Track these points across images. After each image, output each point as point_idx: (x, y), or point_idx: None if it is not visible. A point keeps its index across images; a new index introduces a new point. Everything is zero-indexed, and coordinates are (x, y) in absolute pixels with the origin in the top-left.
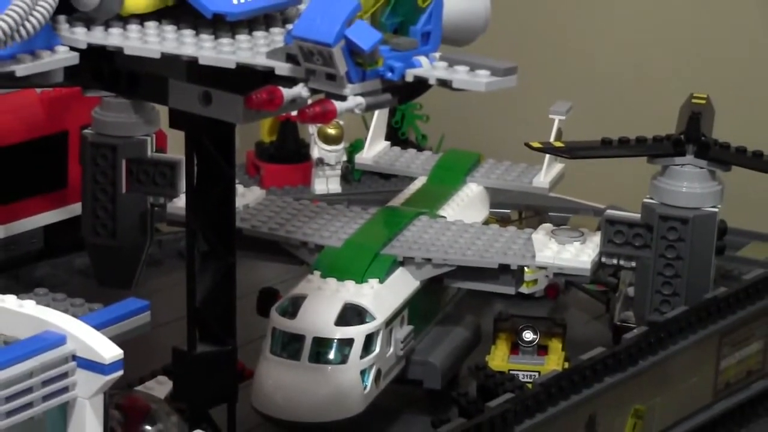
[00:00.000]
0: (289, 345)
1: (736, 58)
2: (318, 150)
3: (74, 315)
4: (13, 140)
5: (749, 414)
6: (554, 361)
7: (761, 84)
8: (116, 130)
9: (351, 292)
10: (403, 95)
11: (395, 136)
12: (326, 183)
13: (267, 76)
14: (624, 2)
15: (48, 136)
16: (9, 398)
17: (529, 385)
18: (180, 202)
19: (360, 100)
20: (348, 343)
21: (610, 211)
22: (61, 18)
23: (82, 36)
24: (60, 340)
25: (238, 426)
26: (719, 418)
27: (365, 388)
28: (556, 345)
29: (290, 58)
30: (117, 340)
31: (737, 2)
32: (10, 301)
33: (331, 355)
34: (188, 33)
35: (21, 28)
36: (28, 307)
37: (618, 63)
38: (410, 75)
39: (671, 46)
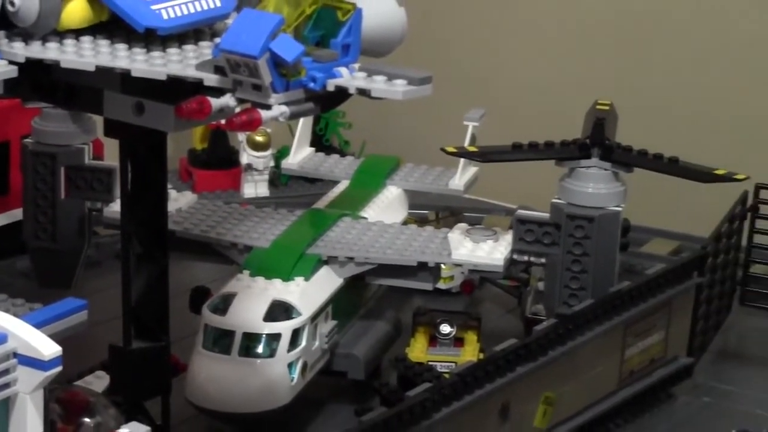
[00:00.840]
0: (221, 340)
1: (638, 66)
2: (247, 156)
3: (15, 314)
4: None
5: (652, 400)
6: (470, 353)
7: (662, 90)
8: (55, 139)
9: (278, 289)
10: (325, 104)
11: (319, 142)
12: (255, 187)
13: (196, 87)
14: (531, 17)
15: None
16: None
17: (447, 375)
18: (116, 207)
19: (284, 108)
20: (276, 337)
21: (520, 211)
22: (0, 33)
23: (20, 50)
24: (1, 338)
25: (172, 417)
26: (624, 404)
27: (292, 380)
28: (471, 337)
29: (218, 70)
30: (56, 337)
31: (638, 14)
32: None
33: (260, 349)
34: (121, 47)
35: None
36: None
37: (527, 72)
38: (331, 85)
39: (577, 55)
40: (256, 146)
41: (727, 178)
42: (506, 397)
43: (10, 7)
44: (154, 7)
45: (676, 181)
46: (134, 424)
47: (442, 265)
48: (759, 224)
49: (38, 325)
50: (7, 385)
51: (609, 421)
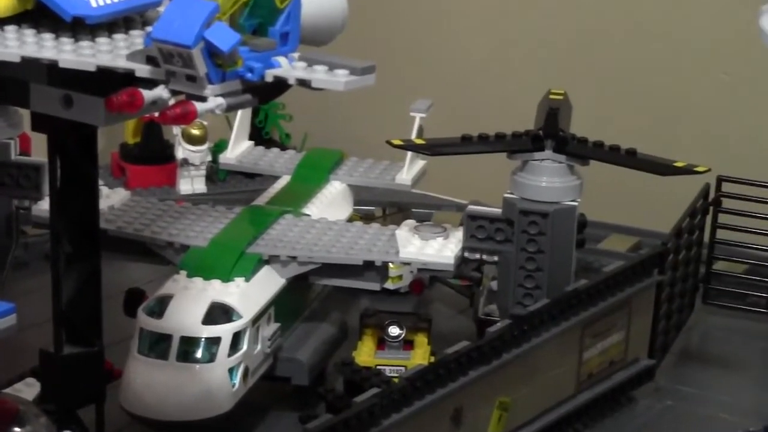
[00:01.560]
0: (157, 345)
1: (594, 52)
2: (182, 150)
3: None
4: None
5: (612, 403)
6: (420, 356)
7: (617, 79)
8: None
9: (217, 290)
10: (264, 95)
11: (259, 135)
12: (191, 183)
13: (128, 79)
14: (478, 2)
15: None
16: None
17: (396, 380)
18: (45, 205)
19: (220, 100)
20: (215, 341)
21: (471, 207)
22: None
23: None
24: None
25: (107, 426)
26: (583, 408)
27: (233, 385)
28: (421, 339)
29: (150, 60)
30: None
31: (589, 2)
32: None
33: (199, 354)
34: (48, 36)
35: None
36: None
37: (476, 60)
38: (270, 75)
39: (528, 42)
40: (192, 140)
41: (687, 171)
42: (459, 402)
43: None
44: None
45: (634, 175)
46: None
47: (390, 264)
48: (722, 219)
49: None
50: None
51: (567, 426)
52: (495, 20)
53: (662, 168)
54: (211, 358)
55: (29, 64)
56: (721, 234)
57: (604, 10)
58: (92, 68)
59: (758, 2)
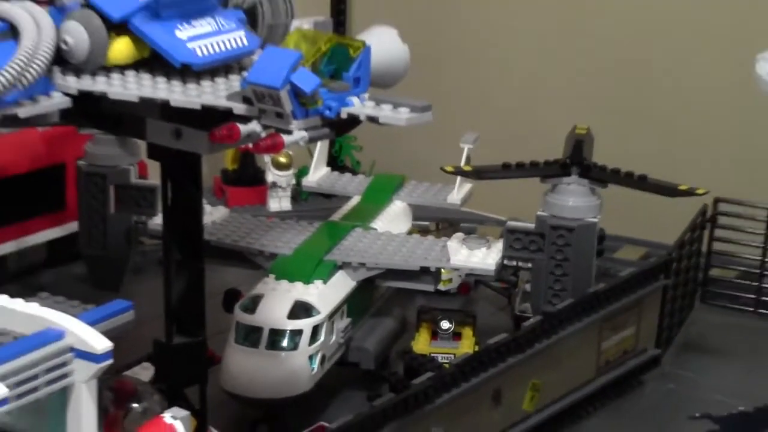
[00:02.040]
0: (250, 335)
1: (611, 95)
2: (272, 175)
3: (72, 314)
4: (19, 170)
5: (625, 386)
6: (467, 346)
7: (632, 116)
8: (105, 161)
9: (300, 291)
10: (339, 129)
11: (335, 163)
12: (279, 202)
13: (227, 115)
14: (515, 54)
15: (49, 166)
16: (18, 384)
17: (446, 366)
18: (158, 220)
19: (303, 133)
20: (298, 333)
21: (510, 222)
22: (56, 68)
23: (73, 83)
24: (59, 335)
25: (208, 403)
26: (600, 390)
27: (312, 370)
28: (468, 332)
29: (246, 100)
30: (107, 334)
31: (609, 52)
32: (18, 303)
33: (284, 343)
34: (161, 80)
35: (22, 78)
36: (33, 308)
37: (514, 100)
38: (344, 112)
39: (556, 84)
40: (280, 166)
41: (689, 193)
42: (498, 384)
43: (63, 46)
44: (189, 45)
45: (645, 195)
46: (176, 409)
47: (442, 270)
48: (717, 233)
49: (91, 323)
50: (65, 376)
51: (587, 404)
52: (530, 67)
53: (668, 190)
54: (294, 346)
55: (146, 102)
56: (716, 246)
57: (619, 60)
58: (198, 106)
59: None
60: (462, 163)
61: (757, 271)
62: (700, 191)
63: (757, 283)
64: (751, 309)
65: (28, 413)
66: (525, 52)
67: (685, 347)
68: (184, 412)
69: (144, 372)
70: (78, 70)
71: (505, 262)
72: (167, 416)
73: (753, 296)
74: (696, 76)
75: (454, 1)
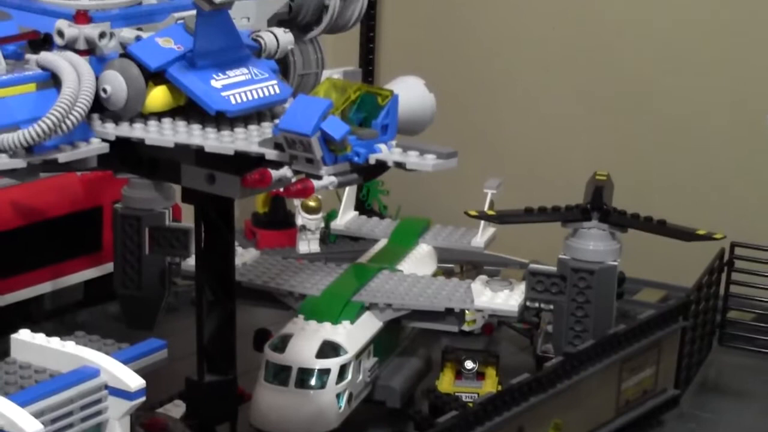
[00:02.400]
0: (280, 374)
1: (631, 142)
2: (301, 218)
3: (106, 352)
4: (59, 213)
5: (644, 426)
6: (490, 385)
7: (651, 162)
8: (141, 204)
9: (328, 331)
10: (367, 175)
11: (362, 207)
12: (308, 245)
13: (259, 161)
14: (538, 103)
15: (86, 209)
16: (54, 420)
17: (470, 404)
18: (191, 261)
19: (333, 179)
20: (326, 372)
21: (532, 265)
22: (95, 116)
23: (111, 130)
24: (94, 373)
25: None
26: (620, 430)
27: (340, 408)
28: (491, 372)
29: (277, 146)
30: (140, 372)
31: (631, 96)
32: (55, 342)
33: (313, 382)
34: (196, 127)
35: (62, 125)
36: (69, 346)
37: (537, 146)
38: (372, 159)
39: (579, 133)
40: (309, 210)
41: (707, 237)
42: (521, 423)
43: (102, 94)
44: (224, 93)
45: (664, 239)
46: None
47: (466, 311)
48: (734, 276)
49: (125, 362)
50: (99, 413)
51: None
52: (551, 115)
53: (687, 235)
54: (322, 385)
55: (181, 148)
56: (733, 289)
57: (637, 105)
58: (231, 152)
59: None
60: (486, 208)
61: None
62: (717, 236)
63: None
64: None
65: None
66: (547, 100)
67: (704, 388)
68: None
69: (176, 409)
70: (116, 117)
71: (528, 303)
72: None
73: None
74: (714, 125)
75: (478, 50)
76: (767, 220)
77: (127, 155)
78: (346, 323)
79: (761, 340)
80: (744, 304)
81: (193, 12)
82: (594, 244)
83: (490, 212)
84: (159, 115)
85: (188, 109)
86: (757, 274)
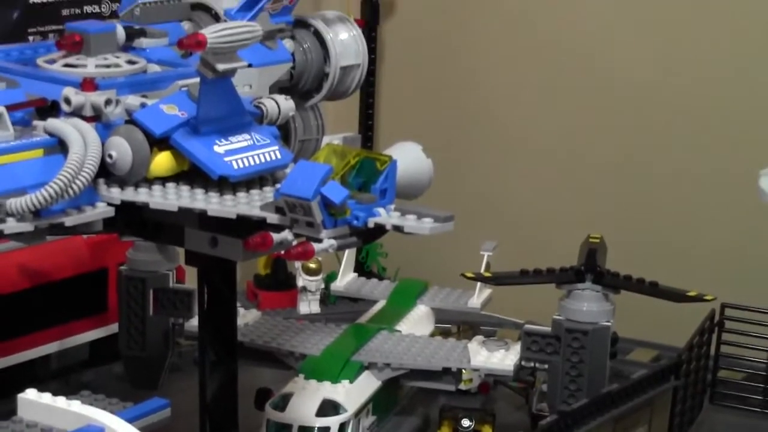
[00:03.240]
0: None
1: (623, 206)
2: (302, 280)
3: (111, 411)
4: (64, 275)
5: None
6: None
7: (643, 226)
8: (145, 267)
9: (328, 390)
10: (366, 238)
11: (361, 268)
12: (309, 305)
13: (261, 224)
14: (532, 164)
15: (92, 271)
16: None
17: None
18: (194, 322)
19: (333, 242)
20: (326, 430)
21: (527, 326)
22: (100, 180)
23: (116, 194)
24: (99, 431)
25: None
26: None
27: None
28: (487, 430)
29: (278, 210)
30: (145, 430)
31: (622, 162)
32: (61, 401)
33: None
34: (199, 191)
35: (69, 189)
36: (75, 406)
37: (532, 210)
38: (371, 222)
39: (573, 198)
40: (310, 272)
41: (698, 299)
42: None
43: (108, 159)
44: (226, 159)
45: (656, 301)
46: None
47: (463, 370)
48: (725, 337)
49: (130, 420)
50: None
51: None
52: (545, 180)
53: (678, 297)
54: None
55: (184, 212)
56: (724, 349)
57: (629, 170)
58: (233, 216)
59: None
60: (482, 270)
61: (764, 373)
62: (708, 297)
63: (763, 385)
64: (758, 409)
65: None
66: (542, 165)
67: None
68: None
69: None
70: (122, 182)
71: (523, 363)
72: None
73: (760, 397)
74: (705, 187)
75: (475, 117)
76: (757, 281)
77: (132, 219)
78: (345, 382)
79: (752, 399)
80: (734, 363)
81: (197, 80)
82: (588, 305)
83: (487, 274)
84: (163, 180)
85: (192, 174)
86: (747, 335)
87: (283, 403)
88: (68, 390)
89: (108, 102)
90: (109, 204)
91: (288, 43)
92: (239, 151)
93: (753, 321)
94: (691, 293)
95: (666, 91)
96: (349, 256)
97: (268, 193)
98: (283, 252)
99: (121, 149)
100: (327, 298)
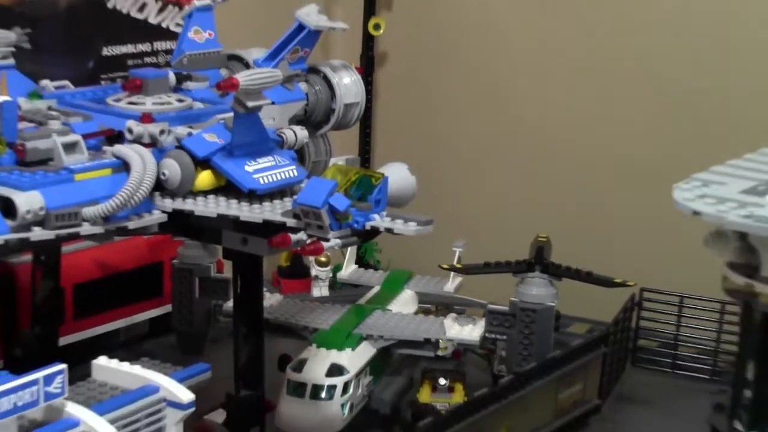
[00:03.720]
0: (298, 389)
1: (564, 210)
2: (315, 270)
3: (165, 374)
4: (129, 267)
5: (575, 427)
6: (458, 397)
7: (581, 226)
8: (192, 260)
9: (334, 356)
10: (364, 237)
11: (361, 261)
12: (320, 290)
13: (281, 227)
14: (495, 182)
15: (150, 264)
16: (124, 426)
17: (443, 412)
18: (230, 304)
19: (338, 241)
20: (333, 387)
21: (490, 306)
22: (156, 193)
23: (168, 204)
24: (155, 389)
25: None
26: (557, 430)
27: (344, 415)
28: (459, 387)
29: (295, 216)
30: (191, 388)
31: (564, 178)
32: (125, 366)
33: (323, 395)
34: (233, 201)
35: (131, 200)
36: (136, 369)
37: (495, 215)
38: (368, 225)
39: (526, 204)
40: (321, 264)
41: (623, 285)
42: (481, 426)
43: (162, 177)
44: (254, 176)
45: (590, 286)
46: None
47: (440, 340)
48: (643, 314)
49: (179, 380)
50: (159, 420)
51: None
52: (505, 194)
53: (607, 283)
54: (330, 397)
55: (222, 218)
56: (642, 323)
57: (570, 186)
58: (260, 221)
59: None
60: (454, 262)
61: (672, 341)
62: (630, 283)
63: (672, 351)
64: (668, 370)
65: None
66: (501, 182)
67: (620, 399)
68: None
69: (218, 416)
70: (172, 194)
71: (486, 335)
72: None
73: (669, 360)
74: (629, 197)
75: (449, 146)
76: (670, 269)
77: (181, 223)
78: (348, 350)
79: (663, 362)
80: (650, 334)
81: (231, 114)
82: (537, 289)
83: (458, 265)
84: (205, 193)
85: (227, 188)
86: (660, 312)
87: (299, 367)
88: (131, 357)
89: (162, 132)
90: (163, 211)
91: (303, 86)
92: (264, 170)
93: (665, 302)
94: (617, 280)
95: (578, 110)
96: (351, 251)
97: (287, 202)
98: (299, 249)
99: (172, 169)
100: (334, 284)
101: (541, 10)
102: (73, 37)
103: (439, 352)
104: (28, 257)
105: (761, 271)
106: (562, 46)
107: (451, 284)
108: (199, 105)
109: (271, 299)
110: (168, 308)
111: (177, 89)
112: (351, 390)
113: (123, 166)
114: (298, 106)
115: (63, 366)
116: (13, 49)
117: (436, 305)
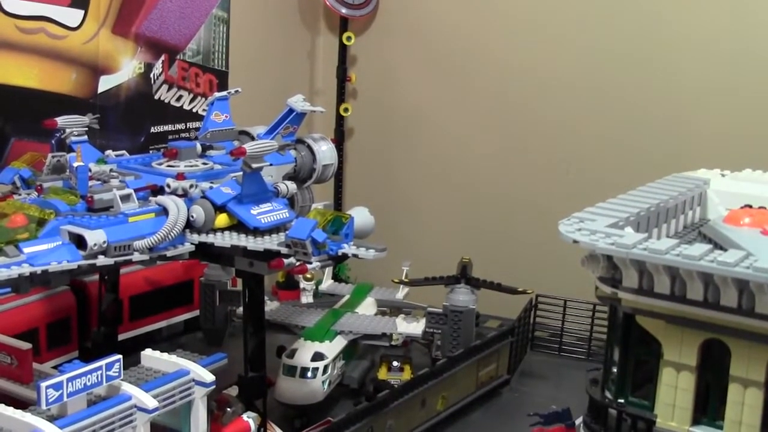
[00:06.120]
0: (290, 370)
1: (480, 235)
2: (303, 284)
3: (194, 361)
4: (170, 283)
5: (491, 395)
6: (407, 375)
7: (491, 249)
8: (214, 278)
9: (317, 346)
10: (337, 261)
11: (336, 277)
12: (307, 299)
13: (278, 254)
14: (431, 219)
15: (185, 281)
16: (164, 399)
17: (396, 386)
18: (241, 309)
19: (318, 263)
20: (316, 369)
21: (429, 309)
22: (186, 230)
23: (196, 238)
24: (186, 372)
25: (268, 407)
26: (478, 398)
27: (324, 389)
28: (407, 367)
29: (287, 246)
30: (212, 371)
31: (481, 208)
32: (165, 356)
33: (309, 375)
34: (243, 235)
35: (169, 236)
36: (173, 358)
37: (431, 243)
38: (340, 252)
39: (456, 233)
40: (307, 280)
41: (524, 292)
42: (424, 396)
43: (191, 218)
44: (258, 217)
45: (500, 294)
46: (250, 413)
47: (393, 334)
48: (538, 313)
49: (204, 366)
50: (189, 395)
51: (469, 407)
52: (439, 225)
53: (513, 291)
54: (314, 376)
55: (234, 247)
56: (538, 320)
57: (490, 213)
58: (262, 249)
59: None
60: (403, 277)
61: (559, 332)
62: (529, 291)
63: (559, 339)
64: (556, 353)
65: (168, 415)
66: (436, 217)
67: (522, 374)
68: (255, 414)
69: (233, 391)
70: (198, 231)
71: (427, 329)
72: (245, 416)
73: (557, 346)
74: (528, 219)
75: (401, 191)
76: (557, 281)
77: (205, 251)
78: (327, 342)
79: (552, 347)
80: (543, 328)
81: (241, 173)
82: (462, 297)
83: (406, 280)
84: (222, 230)
85: (238, 226)
86: (551, 311)
87: (292, 354)
88: (171, 349)
89: (191, 186)
90: (192, 243)
91: (292, 152)
92: (265, 213)
93: (554, 304)
94: (520, 289)
95: (491, 165)
96: (328, 270)
97: (282, 236)
98: (291, 269)
99: (198, 213)
100: (317, 294)
101: (462, 103)
102: (129, 120)
103: (393, 342)
104: (95, 277)
105: (623, 282)
106: (484, 122)
107: (401, 293)
108: (218, 167)
109: (271, 305)
110: (197, 312)
111: (202, 155)
112: (329, 371)
113: (163, 211)
114: (289, 167)
115: (119, 356)
116: (87, 128)
117: (390, 308)
